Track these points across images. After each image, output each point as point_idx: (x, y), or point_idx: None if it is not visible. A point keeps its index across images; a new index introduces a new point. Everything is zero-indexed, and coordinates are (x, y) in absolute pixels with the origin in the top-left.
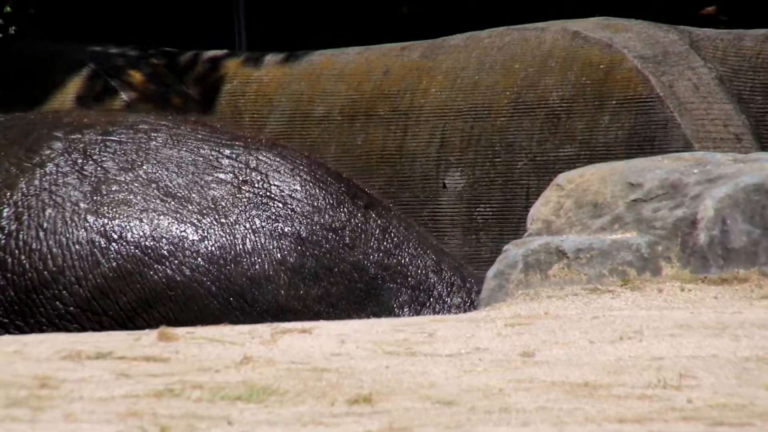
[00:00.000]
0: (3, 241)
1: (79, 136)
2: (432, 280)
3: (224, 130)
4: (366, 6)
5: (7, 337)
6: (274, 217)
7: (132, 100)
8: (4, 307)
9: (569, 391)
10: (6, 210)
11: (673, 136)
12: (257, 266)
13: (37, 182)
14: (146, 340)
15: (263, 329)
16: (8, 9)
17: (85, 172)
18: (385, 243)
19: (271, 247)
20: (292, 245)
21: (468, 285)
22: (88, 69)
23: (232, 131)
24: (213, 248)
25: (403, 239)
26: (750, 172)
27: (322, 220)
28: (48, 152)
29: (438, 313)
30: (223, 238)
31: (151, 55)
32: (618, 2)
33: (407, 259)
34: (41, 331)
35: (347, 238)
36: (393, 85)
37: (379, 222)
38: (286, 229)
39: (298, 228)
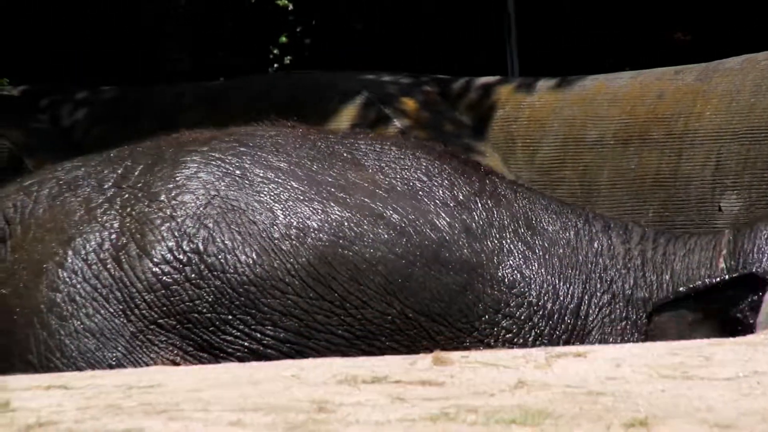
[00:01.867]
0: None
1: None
2: None
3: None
4: (638, 32)
5: (285, 362)
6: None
7: (405, 127)
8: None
9: None
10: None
11: None
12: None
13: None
14: (421, 364)
15: (537, 353)
16: (283, 39)
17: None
18: None
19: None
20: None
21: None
22: (361, 97)
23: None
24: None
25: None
26: None
27: None
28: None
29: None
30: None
31: (424, 82)
32: None
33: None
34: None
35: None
36: (667, 109)
37: None
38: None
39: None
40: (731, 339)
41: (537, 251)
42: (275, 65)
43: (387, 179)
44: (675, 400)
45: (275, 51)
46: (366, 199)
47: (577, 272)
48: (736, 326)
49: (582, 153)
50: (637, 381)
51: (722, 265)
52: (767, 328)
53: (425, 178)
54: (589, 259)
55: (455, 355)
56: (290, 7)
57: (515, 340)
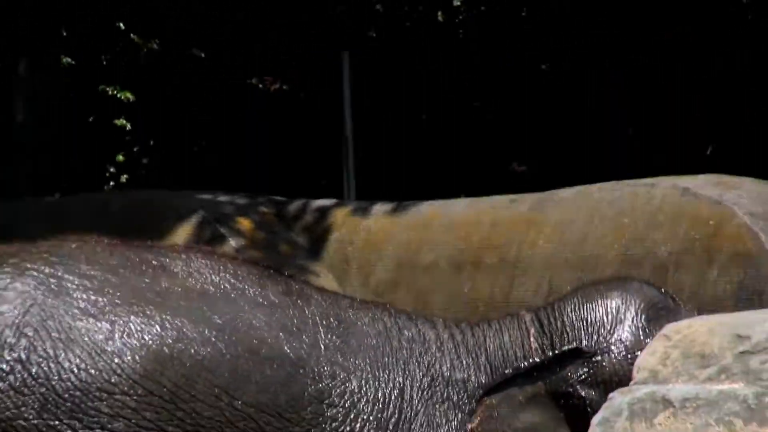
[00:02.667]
0: None
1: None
2: None
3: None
4: (477, 161)
5: None
6: None
7: (240, 246)
8: None
9: None
10: None
11: None
12: None
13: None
14: None
15: None
16: (120, 158)
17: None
18: None
19: None
20: None
21: None
22: (197, 216)
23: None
24: None
25: None
26: None
27: None
28: None
29: None
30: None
31: (260, 203)
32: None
33: None
34: None
35: None
36: (501, 236)
37: None
38: None
39: None
40: None
41: (352, 343)
42: (111, 183)
43: (198, 284)
44: None
45: (111, 169)
46: (182, 302)
47: (394, 359)
48: (568, 400)
49: (416, 277)
50: None
51: (534, 344)
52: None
53: (234, 281)
54: (403, 345)
55: None
56: (128, 126)
57: (342, 428)
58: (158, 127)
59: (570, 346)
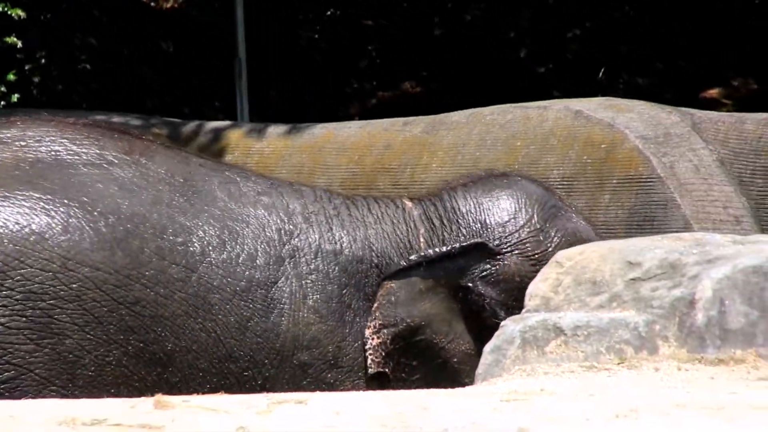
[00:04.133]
0: None
1: None
2: None
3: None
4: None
5: (2, 403)
6: None
7: None
8: None
9: None
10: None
11: (673, 216)
12: None
13: None
14: (143, 407)
15: (259, 399)
16: (11, 77)
17: None
18: None
19: None
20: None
21: None
22: None
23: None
24: None
25: None
26: (749, 254)
27: None
28: None
29: None
30: None
31: (153, 124)
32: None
33: None
34: None
35: None
36: (394, 159)
37: None
38: None
39: None
40: (449, 390)
41: (197, 204)
42: (2, 102)
43: (31, 153)
44: None
45: (2, 88)
46: (14, 173)
47: (244, 224)
48: (466, 295)
49: None
50: (357, 430)
51: (422, 237)
52: (485, 380)
53: (72, 146)
54: (260, 212)
55: (176, 399)
56: (19, 44)
57: (186, 288)
58: (50, 45)
59: (477, 241)
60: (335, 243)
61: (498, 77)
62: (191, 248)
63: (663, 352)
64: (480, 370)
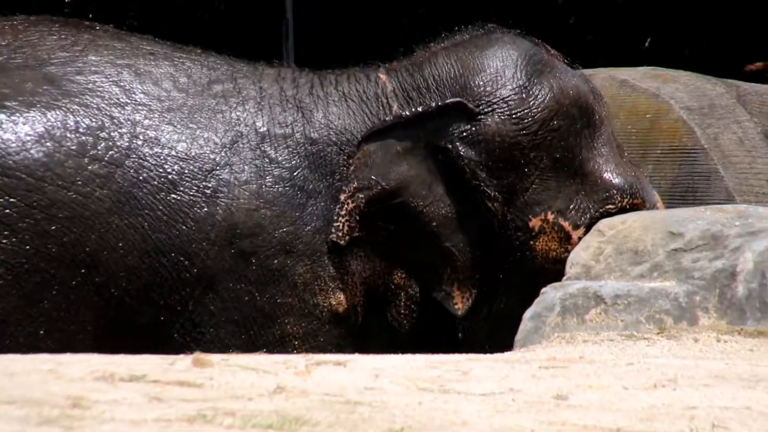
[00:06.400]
0: None
1: None
2: None
3: None
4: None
5: (43, 356)
6: None
7: None
8: None
9: None
10: None
11: (715, 188)
12: None
13: None
14: (181, 365)
15: (298, 360)
16: None
17: None
18: None
19: None
20: None
21: None
22: None
23: None
24: None
25: None
26: None
27: None
28: None
29: None
30: None
31: None
32: (667, 56)
33: None
34: None
35: None
36: None
37: None
38: None
39: None
40: (489, 356)
41: (136, 95)
42: None
43: None
44: (431, 413)
45: None
46: None
47: (185, 117)
48: (446, 155)
49: None
50: (395, 392)
51: (395, 106)
52: (524, 346)
53: (12, 40)
54: (207, 104)
55: (215, 357)
56: None
57: (109, 185)
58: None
59: (455, 100)
60: (286, 126)
61: (546, 43)
62: (118, 142)
63: (702, 323)
64: (519, 336)
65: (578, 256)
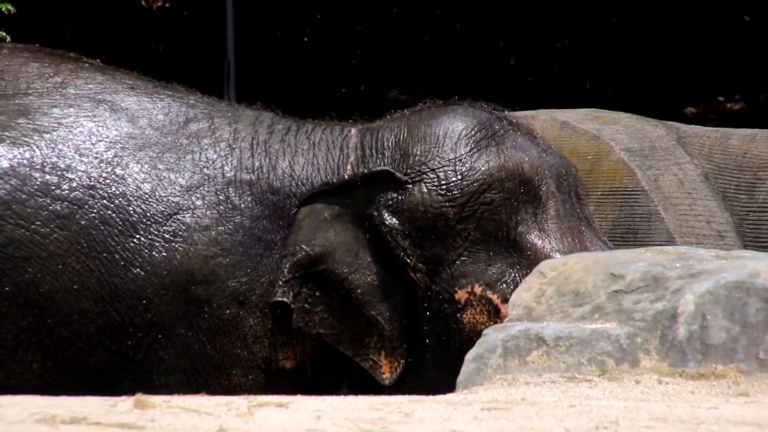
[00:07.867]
0: None
1: None
2: None
3: None
4: (357, 87)
5: None
6: None
7: None
8: None
9: None
10: None
11: (656, 229)
12: None
13: None
14: (122, 406)
15: (240, 401)
16: None
17: None
18: None
19: None
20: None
21: None
22: None
23: None
24: None
25: None
26: (732, 269)
27: None
28: None
29: None
30: None
31: None
32: (607, 97)
33: None
34: None
35: None
36: None
37: None
38: None
39: None
40: (431, 397)
41: (106, 133)
42: None
43: None
44: None
45: None
46: None
47: (155, 156)
48: (372, 223)
49: None
50: None
51: (350, 165)
52: (466, 388)
53: None
54: (180, 143)
55: (157, 399)
56: (8, 39)
57: (67, 226)
58: (40, 40)
59: (381, 168)
60: (252, 172)
61: (485, 85)
62: (83, 181)
63: (644, 365)
64: (461, 377)
65: (520, 298)
